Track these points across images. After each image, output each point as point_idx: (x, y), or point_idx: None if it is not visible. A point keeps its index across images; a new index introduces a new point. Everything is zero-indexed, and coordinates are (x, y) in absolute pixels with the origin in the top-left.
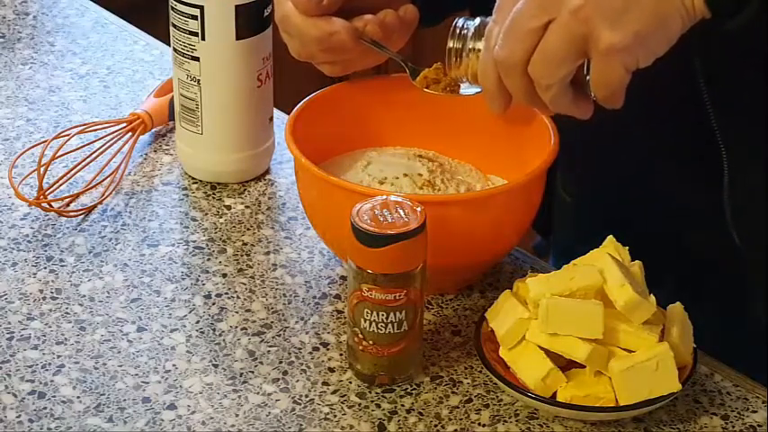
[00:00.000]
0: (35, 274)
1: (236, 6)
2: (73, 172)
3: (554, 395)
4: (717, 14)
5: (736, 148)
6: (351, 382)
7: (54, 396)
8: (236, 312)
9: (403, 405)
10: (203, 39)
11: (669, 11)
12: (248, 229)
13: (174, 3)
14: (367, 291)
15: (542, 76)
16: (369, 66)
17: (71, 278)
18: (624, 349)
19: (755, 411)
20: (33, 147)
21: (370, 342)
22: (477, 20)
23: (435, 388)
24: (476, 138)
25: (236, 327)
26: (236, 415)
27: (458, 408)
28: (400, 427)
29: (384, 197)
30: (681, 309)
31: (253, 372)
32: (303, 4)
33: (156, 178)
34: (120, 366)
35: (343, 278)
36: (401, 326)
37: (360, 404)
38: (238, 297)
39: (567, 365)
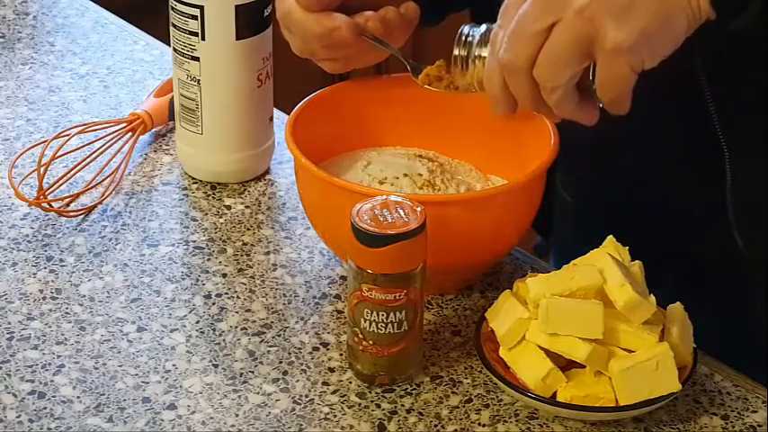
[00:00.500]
0: (35, 274)
1: (236, 6)
2: (73, 172)
3: (554, 395)
4: (722, 14)
5: (738, 148)
6: (351, 382)
7: (54, 396)
8: (236, 312)
9: (403, 405)
10: (203, 39)
11: (674, 10)
12: (248, 229)
13: (174, 3)
14: (367, 291)
15: (547, 79)
16: (370, 63)
17: (71, 278)
18: (624, 349)
19: (755, 411)
20: (33, 147)
21: (370, 342)
22: (483, 27)
23: (435, 388)
24: (476, 138)
25: (236, 327)
26: (236, 415)
27: (458, 408)
28: (400, 427)
29: (384, 197)
30: (681, 309)
31: (253, 372)
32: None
33: (156, 178)
34: (120, 366)
35: (343, 278)
36: (401, 326)
37: (360, 404)
38: (238, 297)
39: (567, 365)
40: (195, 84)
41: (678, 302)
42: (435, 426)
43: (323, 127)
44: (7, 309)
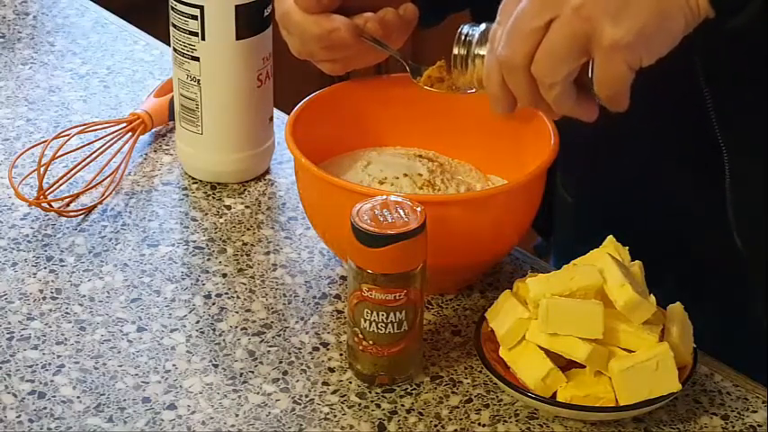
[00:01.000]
0: (35, 274)
1: (236, 6)
2: (73, 172)
3: (554, 395)
4: (721, 13)
5: (737, 147)
6: (351, 382)
7: (54, 396)
8: (236, 312)
9: (403, 405)
10: (203, 39)
11: (672, 8)
12: (248, 229)
13: (174, 3)
14: (367, 291)
15: (545, 75)
16: (369, 64)
17: (71, 278)
18: (624, 349)
19: (755, 411)
20: (33, 147)
21: (370, 342)
22: (483, 26)
23: (435, 388)
24: (476, 138)
25: (236, 327)
26: (236, 415)
27: (458, 408)
28: (400, 427)
29: (384, 197)
30: (681, 309)
31: (253, 372)
32: (304, 1)
33: (156, 178)
34: (120, 366)
35: (343, 278)
36: (401, 326)
37: (360, 404)
38: (238, 297)
39: (567, 365)
40: (195, 84)
41: (678, 302)
42: (435, 426)
43: (323, 127)
44: (7, 309)
